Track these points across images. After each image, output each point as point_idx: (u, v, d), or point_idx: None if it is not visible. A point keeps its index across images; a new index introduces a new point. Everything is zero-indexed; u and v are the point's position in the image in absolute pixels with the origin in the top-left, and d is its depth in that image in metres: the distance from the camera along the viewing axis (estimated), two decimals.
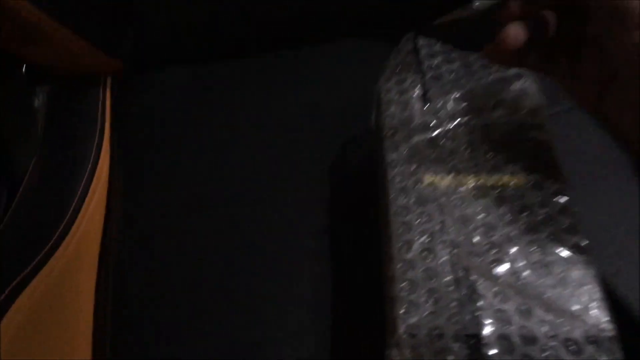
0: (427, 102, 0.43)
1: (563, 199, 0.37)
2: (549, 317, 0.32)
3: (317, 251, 0.46)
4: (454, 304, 0.32)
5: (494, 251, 0.35)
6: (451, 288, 0.33)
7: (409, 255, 0.35)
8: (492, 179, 0.39)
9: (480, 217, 0.37)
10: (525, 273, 0.34)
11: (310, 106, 0.55)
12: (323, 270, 0.45)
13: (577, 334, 0.31)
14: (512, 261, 0.34)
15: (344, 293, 0.43)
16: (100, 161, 0.51)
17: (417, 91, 0.43)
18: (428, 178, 0.39)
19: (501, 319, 0.31)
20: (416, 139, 0.41)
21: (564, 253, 0.35)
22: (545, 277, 0.34)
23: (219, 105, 0.57)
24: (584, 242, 0.35)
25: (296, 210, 0.49)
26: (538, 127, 0.42)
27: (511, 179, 0.39)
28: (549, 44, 0.37)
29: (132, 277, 0.47)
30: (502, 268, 0.34)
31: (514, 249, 0.35)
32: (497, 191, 0.38)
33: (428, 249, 0.35)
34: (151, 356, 0.43)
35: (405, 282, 0.34)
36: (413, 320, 0.32)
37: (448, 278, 0.34)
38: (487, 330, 0.31)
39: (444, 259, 0.35)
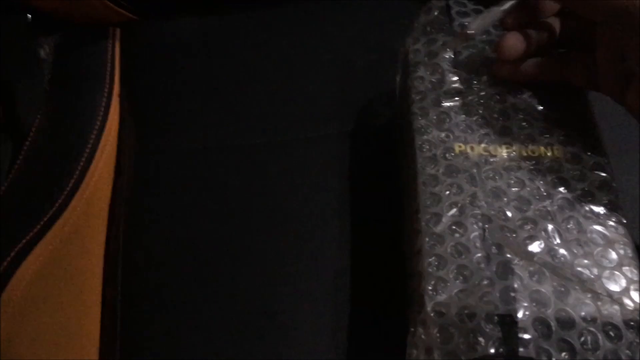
0: (458, 66, 0.40)
1: (603, 174, 0.35)
2: (587, 299, 0.30)
3: (336, 218, 0.43)
4: (485, 282, 0.31)
5: (528, 227, 0.33)
6: (483, 265, 0.31)
7: (438, 229, 0.33)
8: (527, 150, 0.37)
9: (513, 190, 0.35)
10: (562, 251, 0.32)
11: (329, 65, 0.52)
12: (342, 240, 0.42)
13: (617, 318, 0.29)
14: (548, 238, 0.33)
15: (364, 264, 0.41)
16: (110, 117, 0.48)
17: (448, 54, 0.41)
18: (459, 147, 0.37)
19: (537, 300, 0.30)
20: (446, 104, 0.39)
21: (603, 231, 0.33)
22: (583, 257, 0.32)
23: (231, 60, 0.54)
24: (624, 220, 0.33)
25: (313, 173, 0.46)
26: (576, 96, 0.39)
27: (547, 151, 0.36)
28: (561, 51, 0.37)
29: (143, 239, 0.45)
30: (537, 245, 0.32)
31: (550, 226, 0.33)
32: (531, 163, 0.36)
33: (458, 223, 0.33)
34: (161, 322, 0.41)
35: (434, 257, 0.32)
36: (442, 297, 0.31)
37: (479, 254, 0.32)
38: (522, 312, 0.29)
39: (475, 233, 0.33)
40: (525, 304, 0.29)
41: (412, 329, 0.32)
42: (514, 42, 0.37)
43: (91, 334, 0.41)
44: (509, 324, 0.29)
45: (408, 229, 0.37)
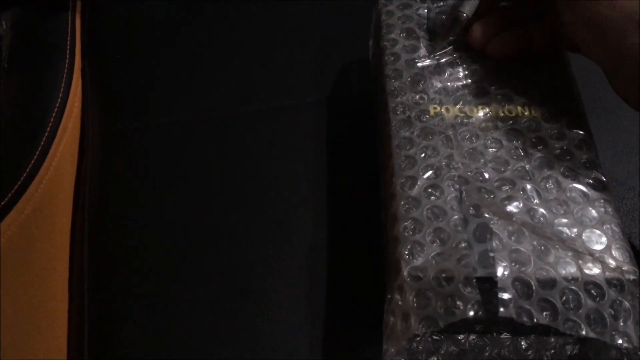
0: (432, 28, 0.39)
1: (581, 132, 0.34)
2: (568, 258, 0.29)
3: (313, 191, 0.42)
4: (463, 244, 0.29)
5: (506, 187, 0.32)
6: (460, 228, 0.30)
7: (413, 192, 0.32)
8: (504, 110, 0.35)
9: (490, 151, 0.33)
10: (541, 211, 0.31)
11: (302, 33, 0.50)
12: (319, 214, 0.41)
13: (599, 277, 0.28)
14: (527, 198, 0.31)
15: (340, 237, 0.40)
16: (71, 93, 0.46)
17: (422, 15, 0.39)
18: (434, 109, 0.36)
19: (516, 260, 0.28)
20: (420, 66, 0.37)
21: (582, 189, 0.32)
22: (563, 216, 0.31)
23: (201, 31, 0.51)
24: (603, 178, 0.32)
25: (289, 143, 0.45)
26: (554, 56, 0.38)
27: (524, 110, 0.35)
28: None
29: (112, 221, 0.43)
30: (516, 206, 0.31)
31: (528, 186, 0.32)
32: (509, 123, 0.35)
33: (434, 186, 0.32)
34: (132, 302, 0.39)
35: (409, 220, 0.31)
36: (418, 262, 0.29)
37: (456, 217, 0.31)
38: (502, 272, 0.28)
39: (451, 196, 0.31)
40: (505, 264, 0.28)
41: (389, 296, 0.31)
42: (481, 31, 0.37)
43: (58, 320, 0.39)
44: (488, 286, 0.28)
45: (384, 194, 0.36)
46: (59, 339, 0.39)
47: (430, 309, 0.28)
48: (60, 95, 0.45)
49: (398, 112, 0.36)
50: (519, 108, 0.35)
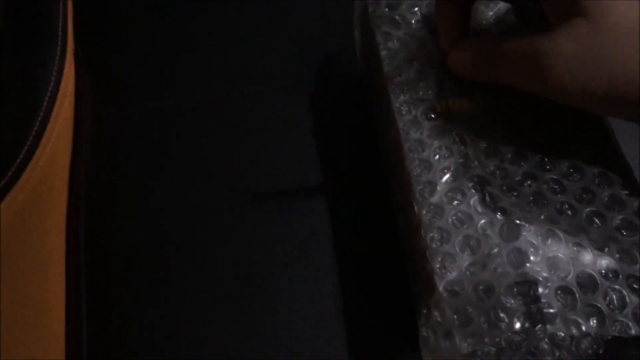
0: (426, 17, 0.37)
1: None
2: (605, 255, 0.28)
3: (311, 172, 0.41)
4: (495, 250, 0.28)
5: (528, 182, 0.31)
6: (489, 232, 0.29)
7: (435, 199, 0.31)
8: (517, 97, 0.34)
9: (507, 144, 0.32)
10: (568, 202, 0.30)
11: (286, 18, 0.48)
12: (318, 194, 0.40)
13: (638, 268, 0.28)
14: (551, 191, 0.30)
15: (341, 221, 0.39)
16: (64, 78, 0.44)
17: (412, 4, 0.37)
18: (439, 104, 0.34)
19: (555, 267, 0.27)
20: (420, 60, 0.36)
21: (607, 174, 0.31)
22: (590, 205, 0.30)
23: (195, 18, 0.49)
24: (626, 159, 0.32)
25: (285, 125, 0.44)
26: None
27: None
28: None
29: (107, 209, 0.41)
30: (542, 202, 0.30)
31: (551, 177, 0.31)
32: (523, 112, 0.33)
33: (454, 189, 0.31)
34: (129, 290, 0.38)
35: (435, 230, 0.30)
36: (452, 275, 0.28)
37: (483, 221, 0.29)
38: (544, 285, 0.27)
39: (474, 198, 0.30)
40: (545, 275, 0.27)
41: (425, 311, 0.30)
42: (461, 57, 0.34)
43: (55, 308, 0.38)
44: (530, 295, 0.27)
45: (398, 200, 0.34)
46: (56, 329, 0.38)
47: (473, 325, 0.27)
48: (53, 78, 0.42)
49: (403, 112, 0.34)
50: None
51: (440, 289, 0.28)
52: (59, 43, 0.44)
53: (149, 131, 0.44)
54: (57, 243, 0.40)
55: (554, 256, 0.27)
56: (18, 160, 0.38)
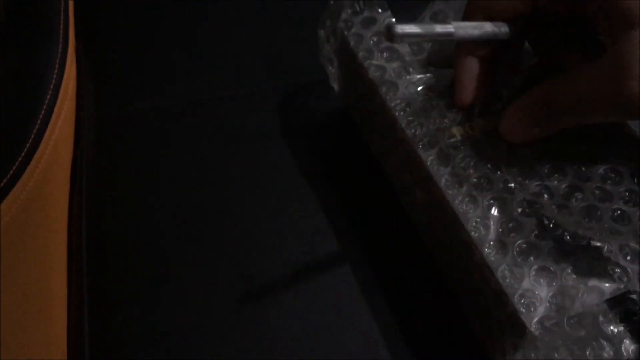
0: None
1: None
2: None
3: (313, 170, 0.41)
4: (573, 276, 0.28)
5: (576, 195, 0.30)
6: (559, 256, 0.28)
7: (492, 235, 0.29)
8: None
9: (540, 160, 0.32)
10: (619, 210, 0.30)
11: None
12: (319, 191, 0.40)
13: None
14: (602, 201, 0.30)
15: (341, 218, 0.39)
16: (66, 74, 0.43)
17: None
18: (458, 130, 0.33)
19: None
20: (423, 87, 0.34)
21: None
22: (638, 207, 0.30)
23: (195, 16, 0.49)
24: None
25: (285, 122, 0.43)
26: None
27: None
28: None
29: (109, 207, 0.40)
30: (596, 214, 0.30)
31: (593, 186, 0.31)
32: None
33: (509, 221, 0.30)
34: (131, 289, 0.37)
35: (503, 267, 0.29)
36: (540, 312, 0.27)
37: (550, 246, 0.29)
38: (638, 299, 0.26)
39: (532, 226, 0.29)
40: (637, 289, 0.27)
41: (511, 353, 0.28)
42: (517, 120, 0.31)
43: (57, 309, 0.38)
44: (628, 314, 0.26)
45: (444, 237, 0.33)
46: (58, 330, 0.38)
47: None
48: (54, 77, 0.42)
49: (427, 148, 0.32)
50: None
51: (533, 328, 0.27)
52: (61, 42, 0.44)
53: (151, 130, 0.43)
54: (58, 243, 0.40)
55: (625, 265, 0.27)
56: (19, 160, 0.37)
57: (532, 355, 0.27)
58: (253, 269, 0.37)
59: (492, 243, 0.29)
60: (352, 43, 0.36)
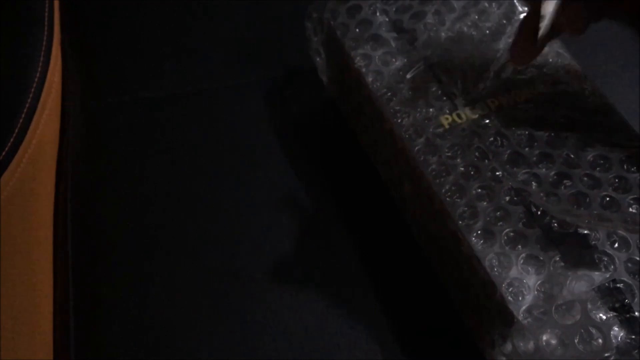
0: (401, 32, 0.35)
1: (603, 97, 0.33)
2: None
3: (304, 164, 0.40)
4: (561, 264, 0.27)
5: (565, 182, 0.30)
6: (547, 244, 0.28)
7: (480, 224, 0.29)
8: (516, 97, 0.33)
9: (527, 148, 0.31)
10: (608, 197, 0.29)
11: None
12: (308, 186, 0.40)
13: None
14: (591, 188, 0.30)
15: (331, 213, 0.39)
16: (51, 68, 0.42)
17: (382, 16, 0.35)
18: (446, 119, 0.32)
19: (633, 269, 0.27)
20: (410, 75, 0.34)
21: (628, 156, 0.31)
22: (628, 193, 0.30)
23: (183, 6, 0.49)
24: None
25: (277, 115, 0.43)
26: None
27: (534, 89, 0.33)
28: None
29: (95, 199, 0.40)
30: (586, 201, 0.29)
31: (582, 173, 0.30)
32: (528, 109, 0.32)
33: (496, 209, 0.29)
34: (116, 283, 0.36)
35: (491, 256, 0.28)
36: (528, 301, 0.27)
37: (538, 234, 0.28)
38: (628, 288, 0.26)
39: (520, 214, 0.29)
40: (628, 281, 0.26)
41: (500, 342, 0.28)
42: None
43: (43, 300, 0.38)
44: (620, 305, 0.26)
45: (434, 228, 0.32)
46: (44, 323, 0.38)
47: (571, 350, 0.26)
48: (39, 69, 0.42)
49: (413, 138, 0.32)
50: (541, 86, 0.33)
51: (520, 317, 0.27)
52: (45, 33, 0.43)
53: (138, 122, 0.43)
54: (44, 231, 0.40)
55: (630, 259, 0.27)
56: (4, 151, 0.37)
57: (521, 345, 0.27)
58: (239, 263, 0.37)
59: (479, 232, 0.29)
60: (338, 33, 0.36)
